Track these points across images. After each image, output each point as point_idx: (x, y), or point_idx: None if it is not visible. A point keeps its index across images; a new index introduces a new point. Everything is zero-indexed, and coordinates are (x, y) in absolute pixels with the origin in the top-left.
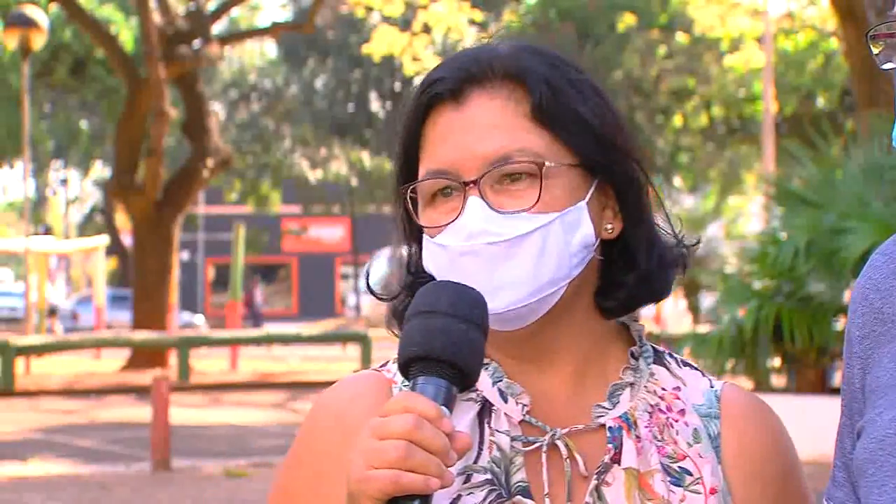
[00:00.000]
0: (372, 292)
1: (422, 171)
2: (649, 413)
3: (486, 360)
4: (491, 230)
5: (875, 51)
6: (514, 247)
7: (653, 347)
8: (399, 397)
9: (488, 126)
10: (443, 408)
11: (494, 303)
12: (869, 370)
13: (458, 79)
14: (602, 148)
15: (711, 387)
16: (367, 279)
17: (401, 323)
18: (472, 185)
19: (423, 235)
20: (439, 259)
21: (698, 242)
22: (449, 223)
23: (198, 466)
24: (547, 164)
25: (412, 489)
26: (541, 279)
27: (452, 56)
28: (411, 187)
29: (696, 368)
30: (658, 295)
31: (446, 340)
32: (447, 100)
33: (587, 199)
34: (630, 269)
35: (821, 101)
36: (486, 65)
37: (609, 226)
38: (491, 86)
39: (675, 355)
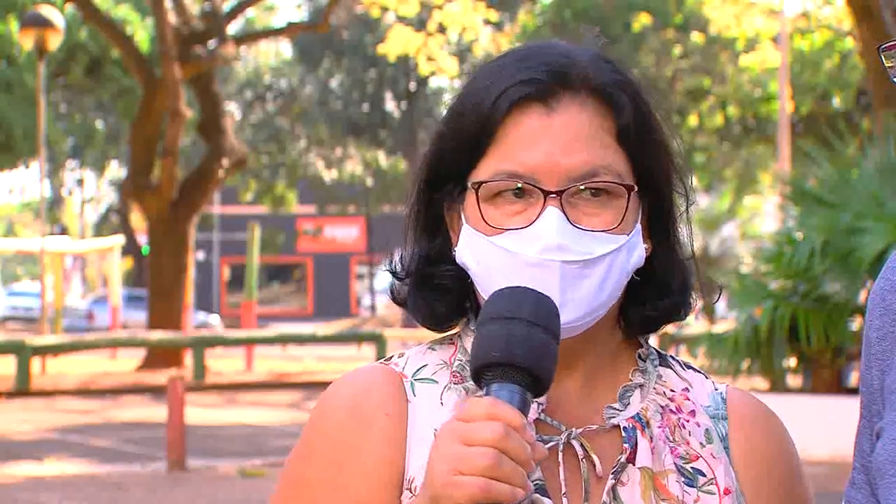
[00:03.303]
0: (393, 274)
1: (492, 167)
2: (661, 414)
3: None
4: (568, 246)
5: (888, 64)
6: (588, 267)
7: (656, 350)
8: (483, 403)
9: (576, 138)
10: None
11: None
12: (888, 372)
13: (549, 83)
14: (662, 175)
15: (716, 389)
16: (391, 265)
17: (404, 297)
18: (553, 196)
19: (467, 229)
20: (499, 262)
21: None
22: (518, 228)
23: (213, 466)
24: (634, 186)
25: (500, 498)
26: (601, 299)
27: (537, 54)
28: (479, 182)
29: (698, 371)
30: (682, 317)
31: (528, 349)
32: (535, 101)
33: (639, 220)
34: (662, 293)
35: (836, 101)
36: (580, 73)
37: (646, 246)
38: (583, 96)
39: (677, 358)
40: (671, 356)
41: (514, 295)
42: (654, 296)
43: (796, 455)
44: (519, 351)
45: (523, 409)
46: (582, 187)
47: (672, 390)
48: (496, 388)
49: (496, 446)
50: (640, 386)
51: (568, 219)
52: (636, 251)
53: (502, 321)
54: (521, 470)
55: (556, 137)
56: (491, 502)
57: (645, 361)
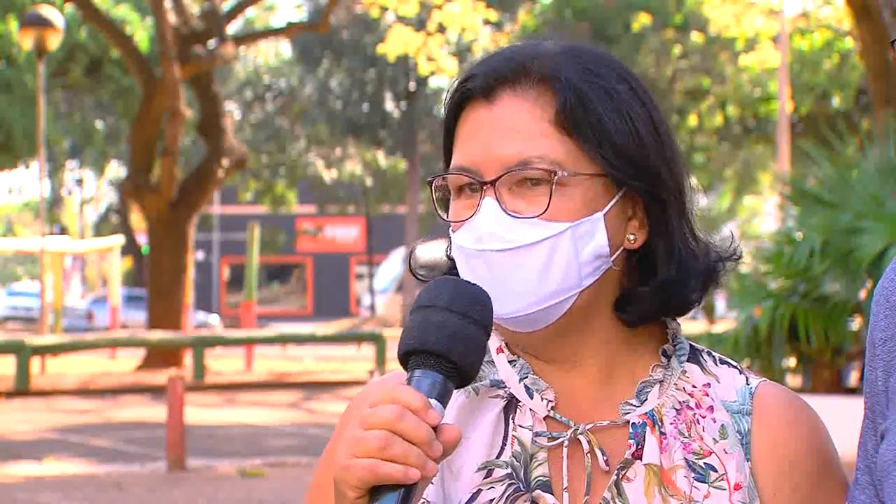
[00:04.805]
0: (414, 275)
1: (452, 166)
2: (677, 410)
3: (513, 358)
4: (500, 234)
5: None
6: (521, 256)
7: (690, 345)
8: (387, 388)
9: (512, 128)
10: (433, 400)
11: (502, 308)
12: (892, 372)
13: (490, 77)
14: (626, 160)
15: (747, 384)
16: (410, 262)
17: None
18: (489, 186)
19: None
20: (457, 256)
21: (740, 258)
22: (466, 219)
23: (213, 466)
24: (560, 172)
25: (390, 479)
26: (546, 290)
27: (492, 53)
28: (438, 178)
29: (734, 366)
30: (678, 306)
31: (441, 334)
32: (479, 97)
33: (606, 210)
34: (648, 279)
35: (836, 101)
36: (519, 65)
37: (632, 236)
38: (522, 87)
39: (714, 353)
40: (707, 351)
41: (436, 284)
42: (641, 284)
43: (827, 453)
44: (431, 337)
45: (441, 394)
46: (516, 177)
47: (693, 386)
48: (417, 374)
49: (388, 428)
50: (660, 382)
51: (503, 208)
52: (591, 240)
53: (422, 310)
54: (417, 450)
55: (494, 129)
56: (382, 482)
57: (669, 357)
